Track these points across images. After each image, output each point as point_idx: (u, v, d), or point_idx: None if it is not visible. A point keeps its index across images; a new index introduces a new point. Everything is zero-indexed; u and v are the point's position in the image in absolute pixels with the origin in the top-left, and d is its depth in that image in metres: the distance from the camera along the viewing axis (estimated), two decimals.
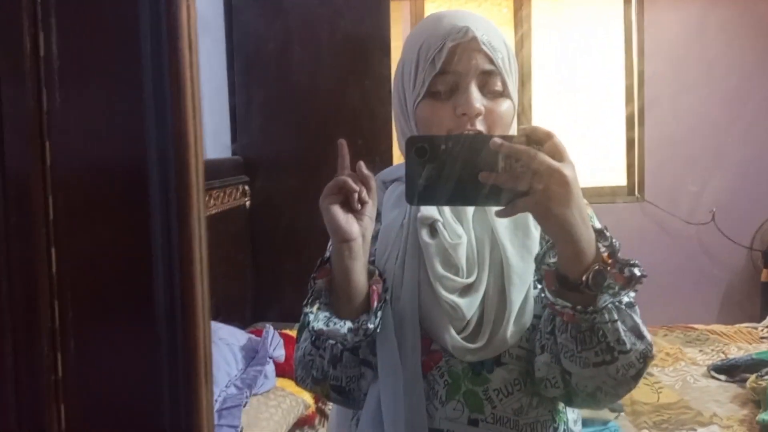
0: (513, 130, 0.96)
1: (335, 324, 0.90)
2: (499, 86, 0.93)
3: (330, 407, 1.62)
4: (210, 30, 2.88)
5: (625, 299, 0.84)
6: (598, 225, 0.87)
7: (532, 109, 4.03)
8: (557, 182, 0.78)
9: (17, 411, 0.46)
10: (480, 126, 0.91)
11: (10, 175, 0.45)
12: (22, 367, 0.46)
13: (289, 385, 2.31)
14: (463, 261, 0.93)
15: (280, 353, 2.35)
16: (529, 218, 0.95)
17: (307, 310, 0.93)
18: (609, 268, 0.82)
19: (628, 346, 0.84)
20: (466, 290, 0.93)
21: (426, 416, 0.92)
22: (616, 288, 0.83)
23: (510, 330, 0.91)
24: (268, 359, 2.28)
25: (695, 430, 2.44)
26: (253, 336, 2.42)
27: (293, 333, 2.39)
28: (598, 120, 4.07)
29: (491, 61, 0.92)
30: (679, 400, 2.68)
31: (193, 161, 0.45)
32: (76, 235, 0.46)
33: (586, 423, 1.85)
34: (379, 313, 0.91)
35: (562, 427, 0.96)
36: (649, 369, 2.32)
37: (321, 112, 2.97)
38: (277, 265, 3.01)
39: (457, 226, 0.95)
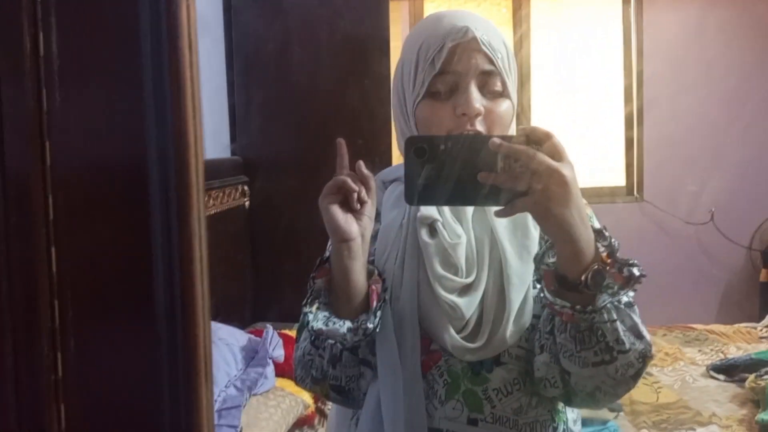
0: (512, 131, 0.96)
1: (334, 324, 0.90)
2: (498, 86, 0.93)
3: (329, 407, 1.62)
4: (210, 30, 2.88)
5: (624, 299, 0.84)
6: (597, 225, 0.87)
7: (531, 109, 4.03)
8: (556, 182, 0.78)
9: (17, 411, 0.46)
10: (479, 126, 0.91)
11: (10, 175, 0.45)
12: (22, 367, 0.46)
13: (288, 385, 2.30)
14: (462, 261, 0.93)
15: (279, 353, 2.35)
16: (529, 218, 0.95)
17: (306, 309, 0.93)
18: (608, 267, 0.82)
19: (627, 345, 0.84)
20: (465, 290, 0.93)
21: (425, 416, 0.92)
22: (615, 288, 0.83)
23: (509, 330, 0.91)
24: (268, 360, 2.28)
25: (694, 429, 2.44)
26: (252, 336, 2.42)
27: (293, 333, 2.39)
28: (597, 120, 4.07)
29: (491, 62, 0.92)
30: (678, 400, 2.68)
31: (193, 161, 0.45)
32: (76, 235, 0.46)
33: (585, 423, 1.86)
34: (379, 313, 0.91)
35: (561, 427, 0.96)
36: (649, 369, 2.33)
37: (320, 112, 2.97)
38: (276, 265, 3.01)
39: (456, 226, 0.95)
